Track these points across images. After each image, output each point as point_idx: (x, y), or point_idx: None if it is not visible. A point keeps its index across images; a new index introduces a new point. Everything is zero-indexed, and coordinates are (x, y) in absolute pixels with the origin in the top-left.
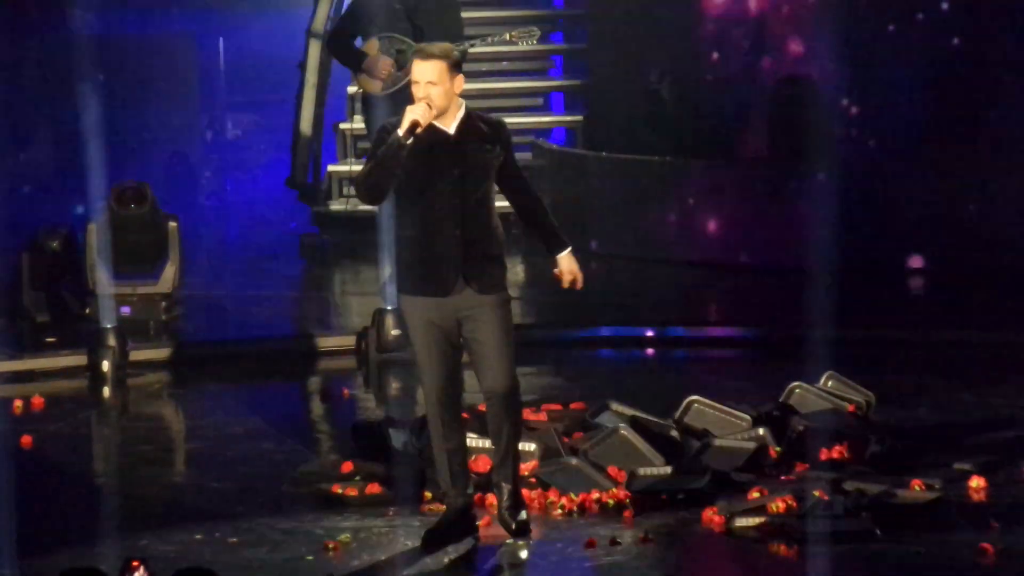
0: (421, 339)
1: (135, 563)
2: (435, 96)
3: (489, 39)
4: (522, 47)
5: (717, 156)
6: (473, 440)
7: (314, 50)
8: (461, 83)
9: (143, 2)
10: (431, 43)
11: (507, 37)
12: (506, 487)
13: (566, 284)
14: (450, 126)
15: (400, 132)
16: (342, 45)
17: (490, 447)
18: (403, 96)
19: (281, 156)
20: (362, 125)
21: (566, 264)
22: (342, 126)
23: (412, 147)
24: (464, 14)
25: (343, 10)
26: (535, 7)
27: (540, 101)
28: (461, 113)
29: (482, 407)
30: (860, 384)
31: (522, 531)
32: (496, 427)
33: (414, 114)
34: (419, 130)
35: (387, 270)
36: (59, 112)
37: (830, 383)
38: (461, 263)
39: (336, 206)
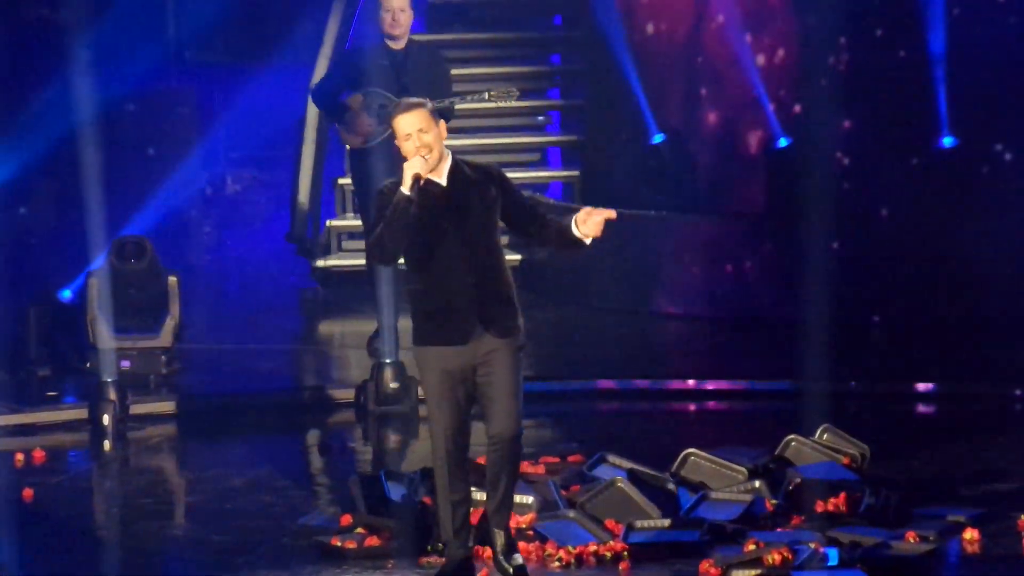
0: (435, 389)
1: None
2: (430, 142)
3: (468, 98)
4: (499, 105)
5: (714, 211)
6: (473, 492)
7: (313, 107)
8: (444, 130)
9: (143, 58)
10: (404, 98)
11: (486, 96)
12: (501, 533)
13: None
14: (442, 177)
15: (404, 190)
16: (327, 96)
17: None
18: (385, 150)
19: (280, 211)
20: None
21: (586, 217)
22: (341, 181)
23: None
24: (462, 71)
25: (330, 65)
26: (532, 64)
27: (537, 156)
28: (449, 163)
29: (481, 460)
30: (855, 437)
31: (520, 574)
32: (495, 473)
33: (413, 168)
34: (421, 182)
35: (384, 321)
36: (60, 166)
37: (825, 436)
38: (478, 310)
39: (320, 263)
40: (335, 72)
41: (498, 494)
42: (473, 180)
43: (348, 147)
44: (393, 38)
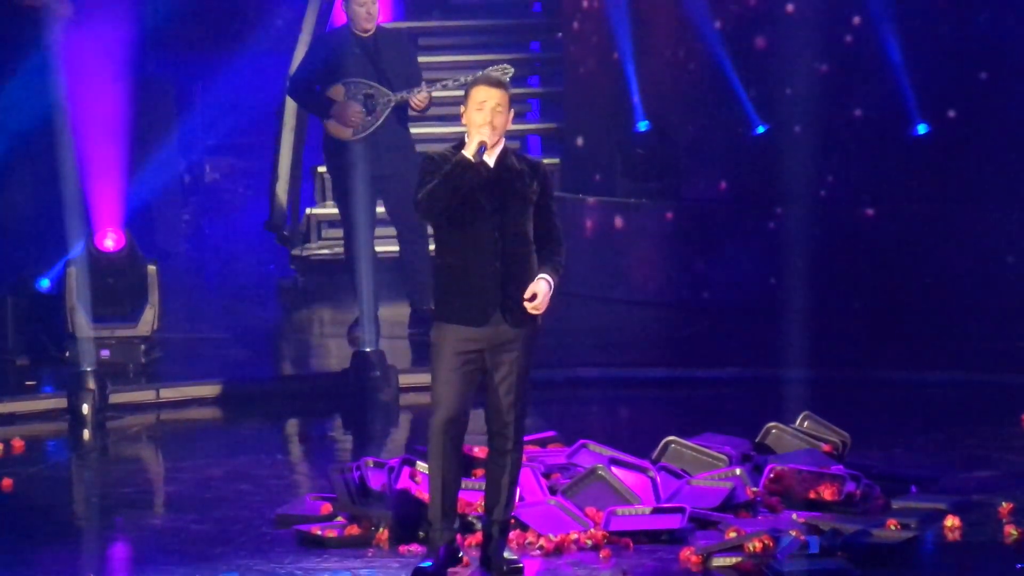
0: (446, 367)
1: None
2: (498, 121)
3: (463, 79)
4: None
5: (694, 198)
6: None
7: None
8: (511, 119)
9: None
10: (494, 72)
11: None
12: (501, 528)
13: (526, 298)
14: (491, 159)
15: (468, 153)
16: (305, 92)
17: (469, 487)
18: (374, 140)
19: (260, 199)
20: None
21: (533, 285)
22: (320, 169)
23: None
24: (442, 59)
25: (302, 57)
26: (512, 51)
27: (517, 144)
28: (500, 148)
29: (466, 448)
30: (836, 424)
31: (516, 573)
32: (500, 465)
33: (482, 135)
34: (485, 150)
35: (365, 310)
36: (37, 154)
37: (806, 423)
38: (500, 295)
39: (299, 251)
40: (307, 64)
41: (502, 497)
42: (518, 170)
43: (332, 137)
44: (365, 30)
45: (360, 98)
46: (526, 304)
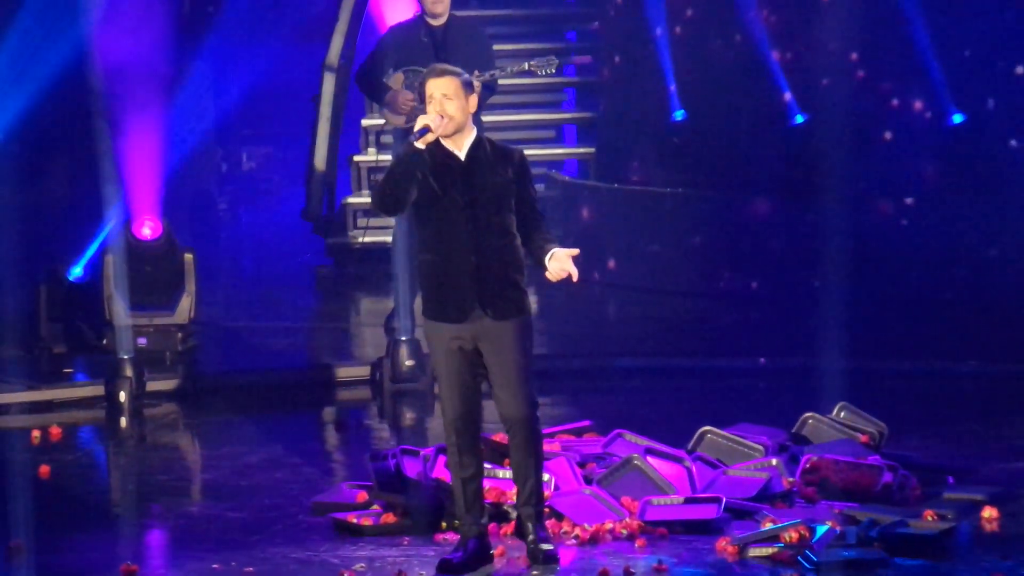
0: (442, 365)
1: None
2: (450, 109)
3: (509, 69)
4: (541, 75)
5: (730, 187)
6: (487, 470)
7: (328, 83)
8: (474, 104)
9: (157, 35)
10: (442, 63)
11: (526, 67)
12: (533, 519)
13: (555, 278)
14: (461, 150)
15: (411, 138)
16: (369, 79)
17: (504, 476)
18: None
19: (296, 188)
20: (375, 157)
21: (555, 265)
22: (356, 158)
23: (427, 167)
24: None
25: (374, 45)
26: (548, 40)
27: (553, 133)
28: (472, 138)
29: (496, 437)
30: (872, 415)
31: (550, 560)
32: (519, 463)
33: (426, 120)
34: (431, 135)
35: (400, 299)
36: (76, 144)
37: (843, 414)
38: (477, 290)
39: (335, 240)
40: (376, 53)
41: (528, 478)
42: (491, 159)
43: (385, 124)
44: (435, 16)
45: (416, 86)
46: (571, 273)
